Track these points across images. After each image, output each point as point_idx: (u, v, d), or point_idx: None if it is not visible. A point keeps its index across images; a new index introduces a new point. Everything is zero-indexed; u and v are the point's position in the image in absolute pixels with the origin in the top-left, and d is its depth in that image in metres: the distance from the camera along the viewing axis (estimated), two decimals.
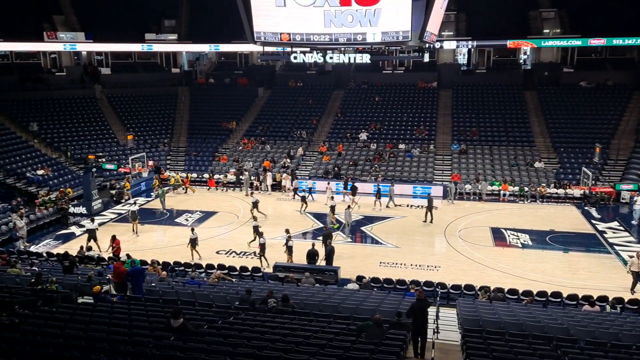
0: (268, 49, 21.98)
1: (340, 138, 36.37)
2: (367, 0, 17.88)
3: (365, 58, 20.30)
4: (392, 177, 31.79)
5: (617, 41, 35.42)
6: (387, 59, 38.24)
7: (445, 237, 23.27)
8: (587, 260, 20.37)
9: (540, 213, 26.81)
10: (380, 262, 20.09)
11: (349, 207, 23.97)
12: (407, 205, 27.93)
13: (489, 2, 37.40)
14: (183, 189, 31.18)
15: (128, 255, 17.81)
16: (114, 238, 20.12)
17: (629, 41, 35.24)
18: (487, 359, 9.30)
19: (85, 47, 39.58)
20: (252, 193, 28.61)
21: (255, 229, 21.42)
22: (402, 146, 34.80)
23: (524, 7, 39.56)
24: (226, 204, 28.47)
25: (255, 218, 22.82)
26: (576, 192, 28.93)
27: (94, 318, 10.79)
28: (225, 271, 17.85)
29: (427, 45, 20.00)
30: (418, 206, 27.59)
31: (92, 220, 22.15)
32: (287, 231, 19.88)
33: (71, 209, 26.34)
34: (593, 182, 28.21)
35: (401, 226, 24.87)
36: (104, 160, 33.19)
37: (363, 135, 35.88)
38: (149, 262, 17.87)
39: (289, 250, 19.42)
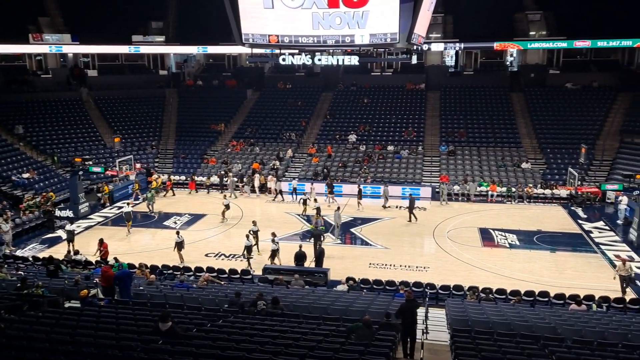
0: (256, 50, 21.98)
1: (329, 140, 36.42)
2: (354, 2, 17.89)
3: (354, 60, 20.32)
4: (381, 178, 31.93)
5: (602, 43, 35.91)
6: (376, 60, 38.27)
7: (434, 238, 23.38)
8: (574, 260, 20.58)
9: (527, 213, 27.04)
10: (370, 264, 20.12)
11: (338, 208, 24.00)
12: (396, 207, 28.01)
13: (475, 5, 37.66)
14: (164, 191, 30.78)
15: (116, 259, 17.70)
16: (101, 241, 19.93)
17: (613, 43, 35.78)
18: (475, 359, 9.35)
19: (71, 49, 39.23)
20: (225, 195, 28.04)
21: (255, 234, 21.04)
22: (391, 148, 34.92)
23: (511, 9, 39.93)
24: (214, 207, 28.31)
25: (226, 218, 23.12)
26: (563, 192, 29.22)
27: (80, 322, 10.68)
28: (214, 274, 17.78)
29: (415, 47, 20.06)
30: (407, 207, 27.66)
31: (71, 222, 22.11)
32: (274, 234, 19.92)
33: (57, 213, 26.08)
34: (579, 182, 28.52)
35: (390, 227, 24.94)
36: (90, 163, 32.86)
37: (352, 137, 35.95)
38: (137, 265, 17.73)
39: (272, 253, 19.37)
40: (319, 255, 18.96)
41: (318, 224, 21.57)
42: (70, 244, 21.26)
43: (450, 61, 43.17)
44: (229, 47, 38.19)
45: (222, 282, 16.86)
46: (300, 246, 19.07)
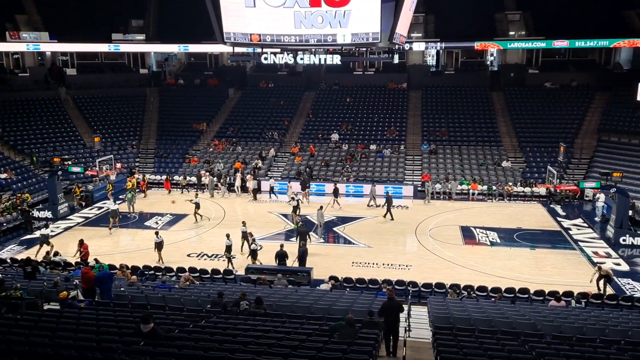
0: (238, 49, 21.84)
1: (312, 139, 36.41)
2: (336, 2, 17.93)
3: (336, 59, 20.36)
4: (364, 177, 32.05)
5: (580, 43, 36.50)
6: (358, 60, 38.41)
7: (416, 237, 23.54)
8: (553, 257, 20.90)
9: (507, 211, 27.38)
10: (353, 262, 20.19)
11: (321, 207, 24.01)
12: (378, 206, 28.09)
13: (456, 4, 38.00)
14: (137, 192, 29.67)
15: (96, 260, 17.44)
16: (81, 242, 19.66)
17: (591, 43, 36.41)
18: (457, 356, 9.44)
19: (50, 47, 38.56)
20: (196, 194, 27.39)
21: (244, 235, 20.90)
22: (373, 147, 35.05)
23: (491, 9, 40.35)
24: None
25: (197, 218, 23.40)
26: (542, 190, 29.66)
27: (60, 325, 10.52)
28: (197, 274, 17.67)
29: (396, 46, 20.20)
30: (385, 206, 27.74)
31: (47, 226, 21.85)
32: (250, 234, 19.92)
33: (36, 214, 25.66)
34: (558, 180, 28.96)
35: (373, 226, 25.04)
36: (70, 163, 32.34)
37: (335, 136, 36.00)
38: (118, 266, 17.54)
39: (253, 253, 19.32)
40: (302, 254, 18.95)
41: (296, 223, 21.57)
42: (43, 246, 20.84)
43: (431, 61, 43.48)
44: (210, 45, 37.86)
45: (197, 282, 16.63)
46: (282, 245, 19.02)
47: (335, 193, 28.01)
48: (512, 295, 16.23)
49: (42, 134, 35.35)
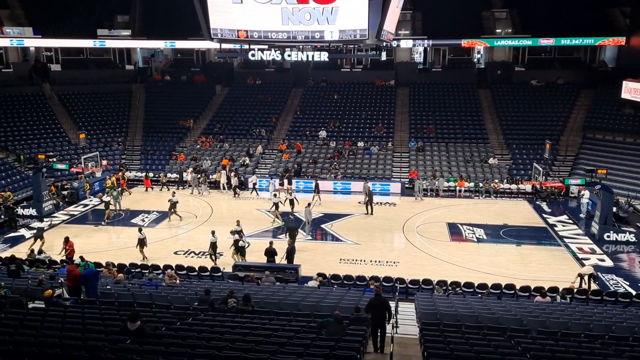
0: (225, 46, 21.76)
1: (299, 136, 36.36)
2: None
3: (324, 56, 20.31)
4: (351, 174, 32.09)
5: (565, 41, 36.94)
6: (345, 57, 38.50)
7: (404, 233, 23.63)
8: (539, 253, 21.11)
9: (494, 208, 27.60)
10: (341, 259, 20.22)
11: (309, 204, 23.99)
12: (376, 204, 28.07)
13: (444, 2, 38.14)
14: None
15: (82, 258, 17.31)
16: (67, 240, 19.47)
17: (576, 41, 36.88)
18: (444, 351, 9.50)
19: (33, 42, 38.06)
20: (173, 192, 26.54)
21: (238, 233, 20.56)
22: (361, 144, 35.10)
23: (478, 7, 40.60)
24: (182, 204, 27.95)
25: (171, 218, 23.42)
26: (528, 187, 29.92)
27: (45, 323, 10.41)
28: (184, 272, 17.57)
29: (384, 43, 20.23)
30: (377, 203, 27.80)
31: (41, 220, 21.50)
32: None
33: (20, 211, 25.32)
34: (544, 177, 29.24)
35: (361, 223, 25.09)
36: (54, 160, 31.94)
37: (322, 133, 35.99)
38: (104, 264, 17.38)
39: (241, 250, 19.22)
40: (290, 252, 18.93)
41: (288, 219, 21.50)
42: (38, 240, 20.53)
43: (419, 58, 43.61)
44: (197, 42, 37.71)
45: (178, 281, 16.38)
46: (271, 242, 18.98)
47: (316, 189, 28.09)
48: (498, 291, 16.36)
49: (27, 130, 34.86)
